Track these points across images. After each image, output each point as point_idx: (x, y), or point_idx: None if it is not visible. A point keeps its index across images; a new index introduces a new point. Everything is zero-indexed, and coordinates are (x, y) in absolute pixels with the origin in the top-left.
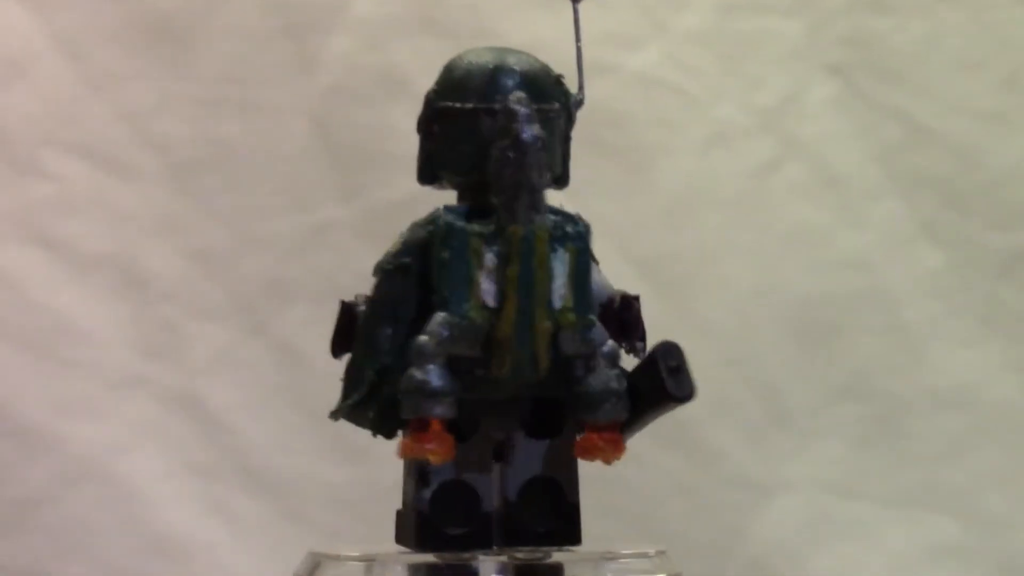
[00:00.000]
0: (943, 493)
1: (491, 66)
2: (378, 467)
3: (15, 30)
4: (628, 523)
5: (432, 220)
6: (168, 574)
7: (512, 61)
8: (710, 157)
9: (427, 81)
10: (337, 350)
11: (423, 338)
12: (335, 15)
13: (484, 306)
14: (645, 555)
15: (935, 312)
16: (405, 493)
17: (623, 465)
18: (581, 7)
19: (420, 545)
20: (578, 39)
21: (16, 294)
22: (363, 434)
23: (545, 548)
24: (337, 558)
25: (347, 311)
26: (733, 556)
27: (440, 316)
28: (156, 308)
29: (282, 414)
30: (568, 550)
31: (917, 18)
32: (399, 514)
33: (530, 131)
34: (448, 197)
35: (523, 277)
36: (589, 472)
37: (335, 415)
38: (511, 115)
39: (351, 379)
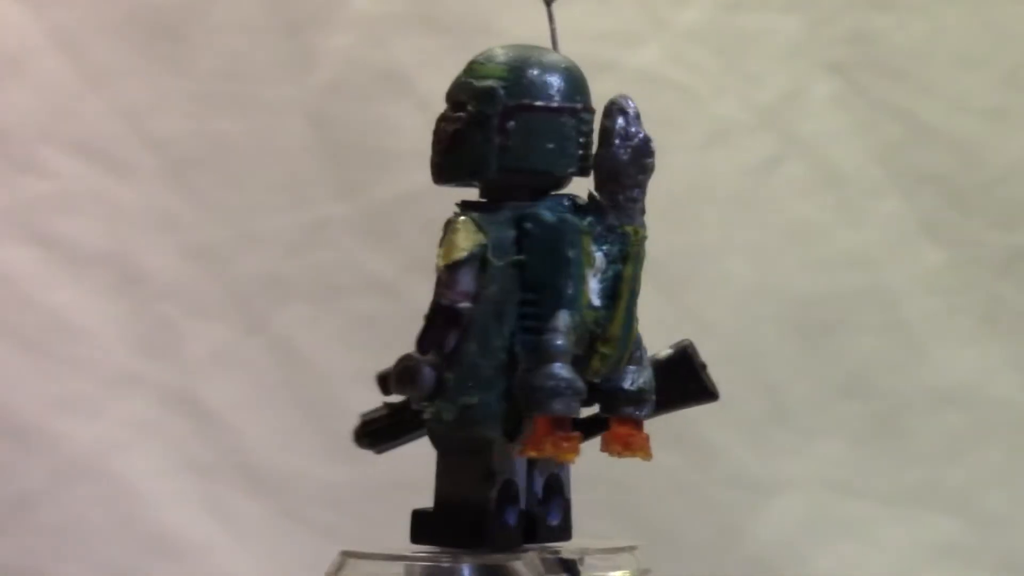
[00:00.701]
0: (944, 491)
1: (563, 66)
2: (376, 466)
3: (12, 27)
4: (627, 521)
5: (529, 216)
6: (165, 572)
7: (571, 62)
8: (710, 154)
9: (426, 77)
10: (428, 347)
11: (560, 336)
12: (333, 11)
13: (590, 305)
14: (618, 550)
15: (936, 310)
16: (451, 492)
17: (622, 463)
18: (583, 4)
19: (489, 543)
20: (555, 42)
21: (13, 291)
22: None
23: (553, 544)
24: (372, 557)
25: (446, 310)
26: (733, 555)
27: (566, 314)
28: (153, 306)
29: (280, 412)
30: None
31: (918, 16)
32: (418, 514)
33: (645, 131)
34: (447, 194)
35: (635, 278)
36: (589, 470)
37: (445, 414)
38: (627, 115)
39: (464, 379)
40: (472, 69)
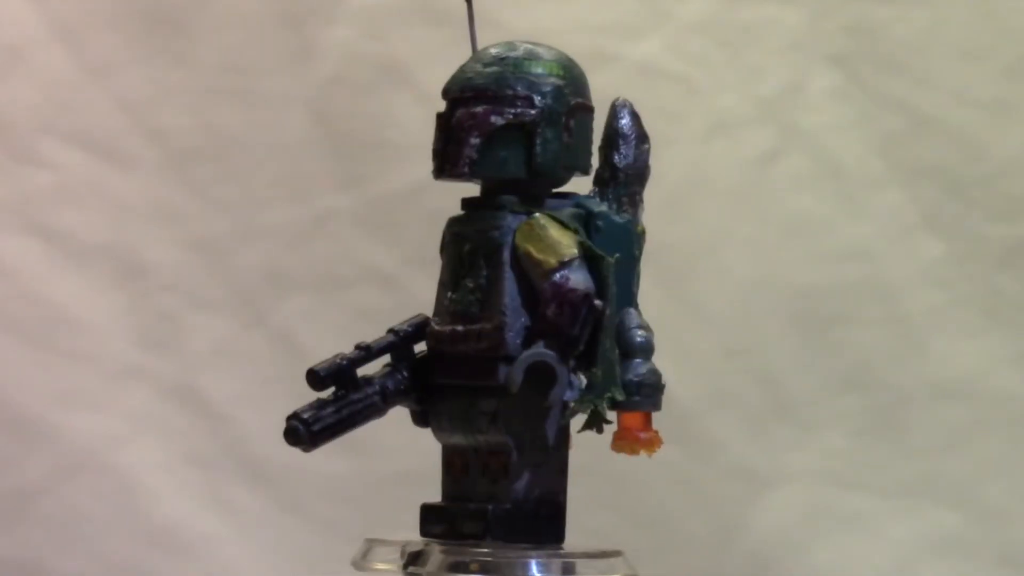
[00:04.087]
0: (944, 484)
1: (580, 66)
2: (376, 459)
3: (14, 18)
4: (626, 515)
5: (597, 215)
6: (166, 565)
7: None
8: (711, 147)
9: (427, 70)
10: (576, 345)
11: (643, 333)
12: (334, 4)
13: None
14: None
15: (936, 303)
16: (528, 489)
17: (621, 456)
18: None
19: (562, 539)
20: (473, 43)
21: (14, 284)
22: (362, 427)
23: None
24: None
25: (593, 306)
26: (733, 548)
27: (636, 312)
28: (155, 298)
29: (281, 405)
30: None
31: (918, 8)
32: (427, 508)
33: None
34: (448, 187)
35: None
36: (589, 464)
37: (600, 408)
38: (639, 118)
39: (608, 374)
40: (521, 64)
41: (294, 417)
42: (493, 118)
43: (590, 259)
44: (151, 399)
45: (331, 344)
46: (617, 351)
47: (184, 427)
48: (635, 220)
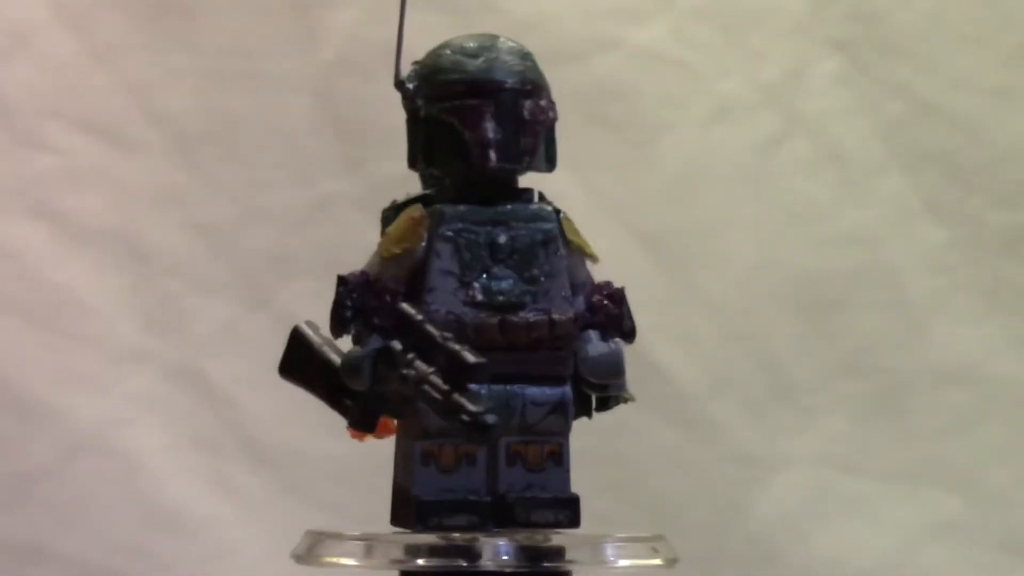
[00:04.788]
0: (945, 469)
1: None
2: (379, 442)
3: (19, 2)
4: (629, 499)
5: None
6: (169, 547)
7: None
8: (714, 132)
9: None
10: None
11: None
12: None
13: None
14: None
15: (938, 288)
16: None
17: (623, 440)
18: None
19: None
20: (401, 25)
21: (19, 267)
22: None
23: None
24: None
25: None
26: (734, 532)
27: None
28: (159, 282)
29: (284, 388)
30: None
31: None
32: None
33: None
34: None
35: None
36: (588, 447)
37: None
38: None
39: None
40: (535, 61)
41: (489, 411)
42: (552, 113)
43: None
44: (155, 382)
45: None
46: None
47: (188, 410)
48: None
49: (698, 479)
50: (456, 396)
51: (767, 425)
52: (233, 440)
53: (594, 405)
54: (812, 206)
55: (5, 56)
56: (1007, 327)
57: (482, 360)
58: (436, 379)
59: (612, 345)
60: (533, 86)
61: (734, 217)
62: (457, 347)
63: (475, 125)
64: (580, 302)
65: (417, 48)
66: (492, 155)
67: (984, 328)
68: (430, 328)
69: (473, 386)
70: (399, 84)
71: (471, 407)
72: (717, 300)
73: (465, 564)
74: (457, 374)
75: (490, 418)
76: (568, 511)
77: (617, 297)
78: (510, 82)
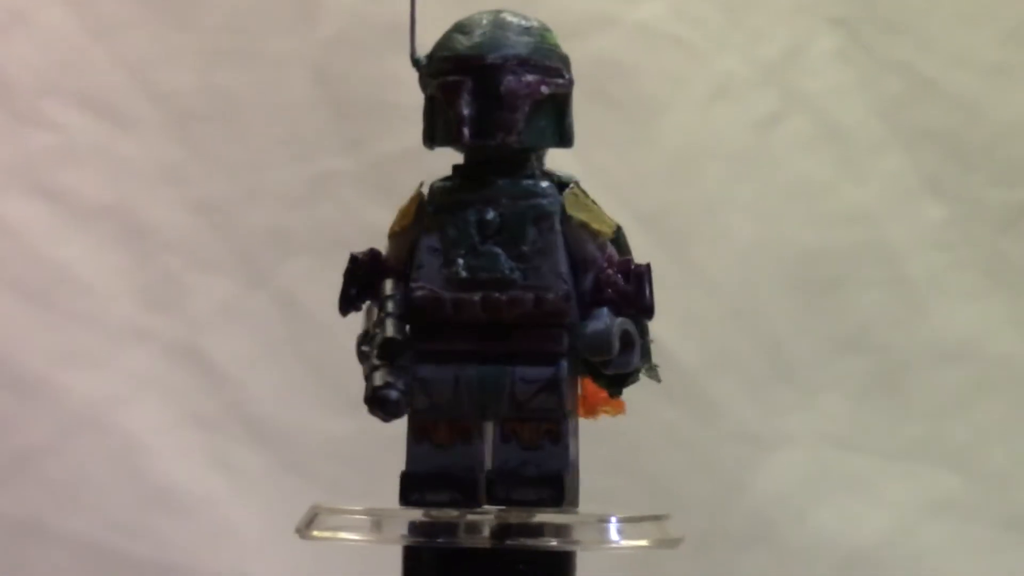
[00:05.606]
0: (945, 447)
1: None
2: (378, 420)
3: None
4: (627, 477)
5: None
6: (168, 525)
7: None
8: (713, 110)
9: (432, 33)
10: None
11: None
12: None
13: None
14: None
15: (938, 266)
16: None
17: (622, 418)
18: None
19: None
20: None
21: (17, 244)
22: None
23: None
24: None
25: (649, 272)
26: (733, 510)
27: None
28: (158, 259)
29: (284, 366)
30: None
31: None
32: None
33: None
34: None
35: None
36: (587, 425)
37: (652, 376)
38: None
39: (646, 345)
40: (546, 36)
41: (390, 387)
42: (543, 88)
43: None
44: (153, 359)
45: (333, 305)
46: None
47: (186, 387)
48: None
49: (697, 457)
50: (372, 370)
51: (766, 403)
52: (232, 418)
53: (606, 383)
54: (811, 184)
55: (3, 33)
56: (1007, 304)
57: (395, 336)
58: (370, 352)
59: (607, 321)
60: (520, 60)
61: (733, 195)
62: (387, 322)
63: (452, 101)
64: (590, 279)
65: (420, 24)
66: (465, 131)
67: (984, 305)
68: (379, 304)
69: (467, 366)
70: (414, 62)
71: (375, 381)
72: (716, 278)
73: (441, 541)
74: (383, 349)
75: (392, 394)
76: (551, 489)
77: (633, 273)
78: (491, 57)
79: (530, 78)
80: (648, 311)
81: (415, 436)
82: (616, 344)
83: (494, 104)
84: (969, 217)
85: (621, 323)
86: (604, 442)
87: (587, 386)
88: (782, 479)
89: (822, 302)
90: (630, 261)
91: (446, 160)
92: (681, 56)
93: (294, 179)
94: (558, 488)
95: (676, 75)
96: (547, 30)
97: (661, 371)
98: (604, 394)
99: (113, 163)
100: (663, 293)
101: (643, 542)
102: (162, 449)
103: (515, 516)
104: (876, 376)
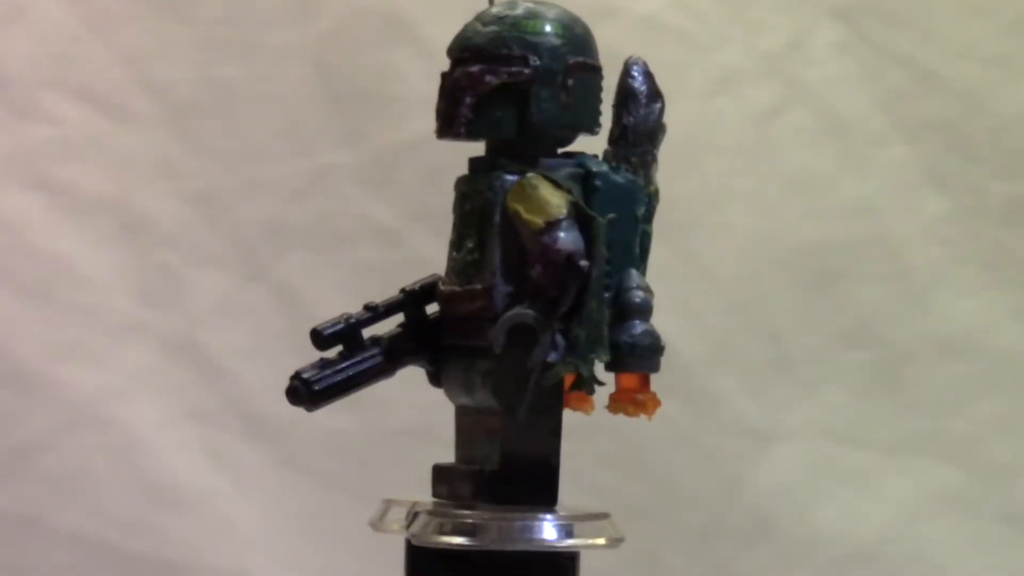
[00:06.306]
0: (946, 441)
1: (589, 27)
2: (377, 415)
3: None
4: (627, 471)
5: (597, 175)
6: (166, 520)
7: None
8: (714, 102)
9: (430, 24)
10: (553, 305)
11: (642, 293)
12: None
13: None
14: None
15: (940, 259)
16: (518, 450)
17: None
18: None
19: (553, 502)
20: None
21: (15, 238)
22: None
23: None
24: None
25: (576, 267)
26: (734, 504)
27: (636, 272)
28: (156, 253)
29: (282, 360)
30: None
31: None
32: (436, 469)
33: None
34: (445, 145)
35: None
36: (590, 422)
37: (583, 370)
38: (651, 76)
39: (592, 335)
40: (515, 23)
41: (296, 377)
42: (488, 78)
43: (581, 219)
44: (152, 354)
45: (332, 298)
46: (607, 312)
47: (185, 382)
48: (644, 180)
49: (698, 451)
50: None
51: (767, 397)
52: (230, 412)
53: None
54: (813, 176)
55: (1, 26)
56: (1008, 298)
57: (319, 327)
58: None
59: (507, 314)
60: (474, 52)
61: (734, 187)
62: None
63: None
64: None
65: (418, 16)
66: (436, 126)
67: (985, 299)
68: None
69: (452, 361)
70: None
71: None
72: (717, 271)
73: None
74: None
75: (296, 383)
76: (469, 485)
77: (551, 262)
78: (455, 52)
79: (474, 69)
80: (552, 303)
81: (457, 429)
82: (499, 337)
83: (448, 97)
84: (971, 210)
85: (512, 316)
86: (604, 437)
87: (621, 381)
88: (783, 473)
89: (823, 295)
90: (549, 250)
91: (445, 153)
92: (682, 48)
93: (293, 172)
94: (474, 484)
95: (677, 67)
96: (528, 17)
97: (665, 365)
98: (636, 390)
99: (111, 157)
100: (664, 286)
101: (580, 542)
102: (160, 444)
103: (433, 510)
104: (877, 370)
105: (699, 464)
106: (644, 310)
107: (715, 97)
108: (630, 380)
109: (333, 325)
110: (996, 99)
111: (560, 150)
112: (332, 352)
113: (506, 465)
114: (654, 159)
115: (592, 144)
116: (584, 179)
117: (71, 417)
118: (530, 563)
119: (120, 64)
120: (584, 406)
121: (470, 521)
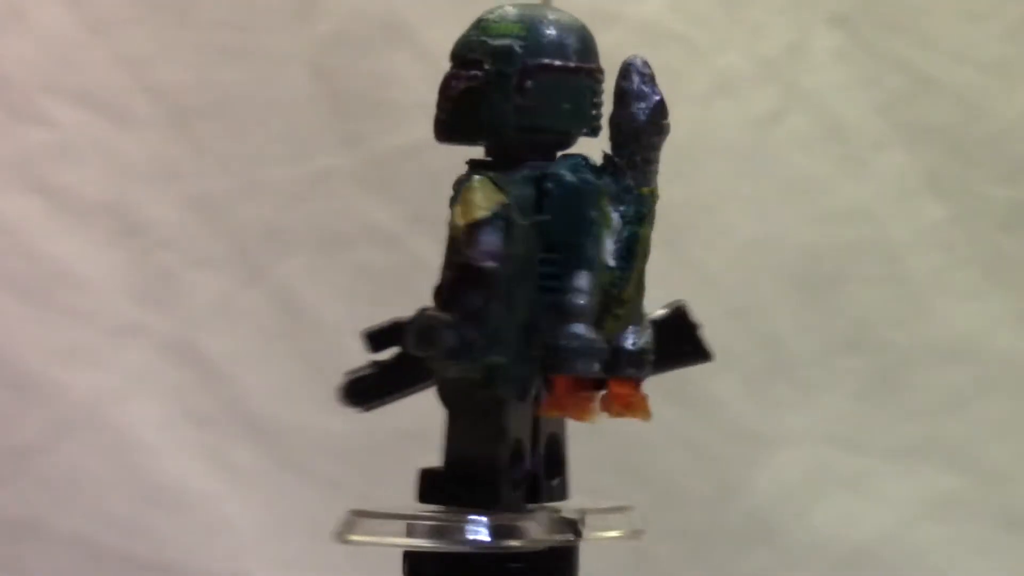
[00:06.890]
0: (945, 446)
1: (577, 26)
2: (377, 417)
3: None
4: (627, 475)
5: (549, 176)
6: (164, 522)
7: (583, 23)
8: (713, 107)
9: (429, 28)
10: (453, 306)
11: (582, 296)
12: None
13: (607, 267)
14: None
15: (938, 264)
16: (462, 452)
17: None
18: None
19: (500, 503)
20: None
21: (13, 241)
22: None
23: (553, 503)
24: (381, 516)
25: (472, 270)
26: (732, 508)
27: (586, 274)
28: (154, 256)
29: (281, 363)
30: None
31: None
32: (427, 473)
33: (660, 92)
34: (451, 147)
35: (649, 240)
36: (588, 424)
37: (472, 373)
38: (644, 76)
39: (492, 339)
40: (485, 27)
41: (351, 374)
42: (454, 83)
43: (508, 221)
44: (150, 356)
45: (331, 301)
46: (520, 314)
47: (183, 384)
48: (634, 182)
49: (696, 455)
50: None
51: (765, 401)
52: (229, 415)
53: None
54: (811, 181)
55: (1, 29)
56: (1008, 303)
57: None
58: None
59: (414, 315)
60: (451, 59)
61: (733, 192)
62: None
63: None
64: None
65: (418, 20)
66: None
67: (984, 304)
68: None
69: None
70: None
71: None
72: (715, 275)
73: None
74: None
75: (343, 380)
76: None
77: (453, 265)
78: (450, 56)
79: (448, 74)
80: (446, 304)
81: None
82: (409, 339)
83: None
84: (970, 215)
85: (417, 317)
86: (602, 440)
87: (557, 385)
88: (782, 477)
89: (822, 300)
90: (460, 254)
91: (446, 157)
92: (681, 52)
93: (292, 176)
94: (422, 486)
95: (676, 72)
96: (492, 20)
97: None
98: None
99: (110, 159)
100: (661, 290)
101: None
102: (158, 446)
103: (384, 515)
104: (876, 374)
105: (698, 467)
106: (578, 312)
107: (714, 102)
108: (621, 383)
109: (383, 326)
110: (995, 104)
111: (560, 152)
112: (385, 354)
113: (448, 466)
114: (646, 160)
115: (590, 144)
116: (539, 180)
117: (69, 419)
118: (530, 563)
119: (119, 67)
120: (584, 415)
121: (401, 522)
